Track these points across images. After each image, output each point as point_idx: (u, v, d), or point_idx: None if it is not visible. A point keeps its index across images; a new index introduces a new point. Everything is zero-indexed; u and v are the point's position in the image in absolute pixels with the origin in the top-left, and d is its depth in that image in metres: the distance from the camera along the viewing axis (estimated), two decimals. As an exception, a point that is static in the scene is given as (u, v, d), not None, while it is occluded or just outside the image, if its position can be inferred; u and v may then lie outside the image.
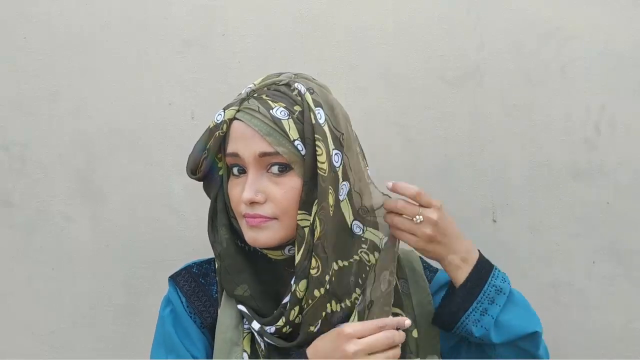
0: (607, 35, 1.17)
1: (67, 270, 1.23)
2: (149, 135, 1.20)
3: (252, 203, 0.79)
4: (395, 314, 0.86)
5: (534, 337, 0.87)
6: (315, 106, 0.80)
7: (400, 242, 0.92)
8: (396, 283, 0.88)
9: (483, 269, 0.87)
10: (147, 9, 1.18)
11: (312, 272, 0.79)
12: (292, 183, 0.80)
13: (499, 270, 0.89)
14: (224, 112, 0.81)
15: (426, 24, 1.18)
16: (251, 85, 0.84)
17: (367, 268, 0.85)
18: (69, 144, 1.21)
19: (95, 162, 1.21)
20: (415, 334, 0.88)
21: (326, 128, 0.79)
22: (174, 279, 0.91)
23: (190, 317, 0.87)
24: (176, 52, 1.19)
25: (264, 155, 0.79)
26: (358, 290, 0.84)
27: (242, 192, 0.79)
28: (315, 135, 0.78)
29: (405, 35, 1.18)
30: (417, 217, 0.84)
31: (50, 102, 1.20)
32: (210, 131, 0.82)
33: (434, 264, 0.95)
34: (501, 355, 0.88)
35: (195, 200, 1.20)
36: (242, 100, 0.82)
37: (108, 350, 1.25)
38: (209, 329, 0.87)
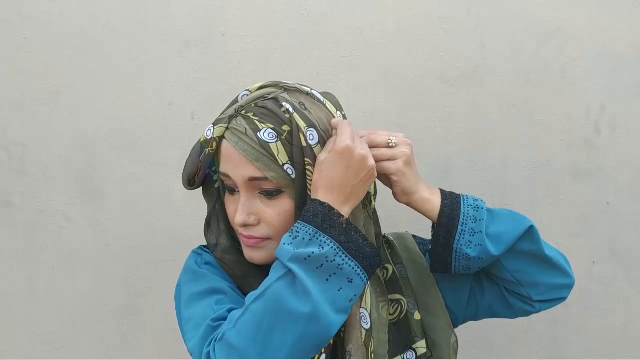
0: (607, 35, 1.17)
1: (67, 270, 1.23)
2: (149, 135, 1.20)
3: (246, 225, 0.79)
4: (395, 300, 0.86)
5: (531, 233, 0.85)
6: (308, 126, 0.76)
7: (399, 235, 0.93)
8: (393, 270, 0.88)
9: (451, 195, 0.86)
10: (147, 9, 1.18)
11: None
12: (284, 206, 0.78)
13: (467, 195, 0.88)
14: (213, 128, 0.78)
15: (426, 24, 1.18)
16: (246, 92, 0.82)
17: None
18: (69, 144, 1.21)
19: (95, 162, 1.21)
20: (417, 316, 0.87)
21: (317, 149, 0.77)
22: (201, 247, 0.89)
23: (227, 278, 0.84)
24: (176, 52, 1.19)
25: (253, 179, 0.77)
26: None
27: (236, 210, 0.79)
28: (306, 160, 0.76)
29: (405, 35, 1.18)
30: (391, 138, 0.81)
31: (50, 102, 1.20)
32: (202, 146, 0.80)
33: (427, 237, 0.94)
34: (514, 268, 0.85)
35: (195, 200, 1.20)
36: (230, 118, 0.78)
37: (108, 350, 1.25)
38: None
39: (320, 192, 0.73)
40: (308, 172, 0.76)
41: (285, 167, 0.76)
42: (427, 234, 1.21)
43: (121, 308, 1.24)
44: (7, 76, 1.20)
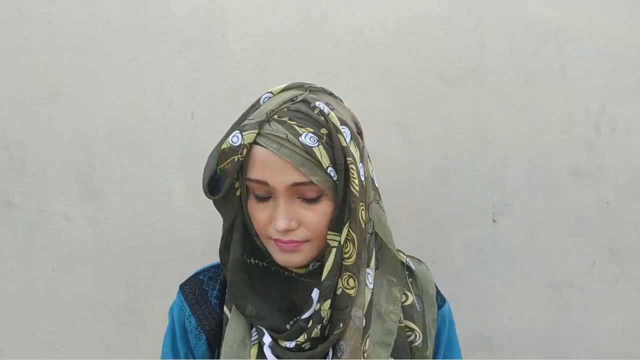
0: (607, 35, 1.17)
1: (67, 270, 1.23)
2: (149, 135, 1.20)
3: (287, 231, 0.78)
4: (409, 329, 0.87)
5: None
6: (341, 125, 0.77)
7: (416, 262, 0.94)
8: (413, 300, 0.89)
9: None
10: (147, 9, 1.18)
11: (350, 292, 0.79)
12: (325, 208, 0.78)
13: None
14: (242, 135, 0.76)
15: (426, 24, 1.18)
16: (268, 95, 0.81)
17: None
18: (69, 144, 1.21)
19: (95, 162, 1.21)
20: (429, 352, 0.88)
21: (352, 146, 0.78)
22: (182, 288, 0.91)
23: (192, 329, 0.88)
24: (176, 52, 1.19)
25: (296, 185, 0.76)
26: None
27: (270, 217, 0.78)
28: (348, 159, 0.76)
29: (405, 35, 1.18)
30: None
31: (50, 102, 1.20)
32: (225, 153, 0.78)
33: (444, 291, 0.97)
34: None
35: (195, 200, 1.20)
36: (261, 123, 0.77)
37: (108, 350, 1.25)
38: (207, 336, 0.87)
39: None
40: (352, 171, 0.76)
41: (329, 170, 0.76)
42: (427, 233, 1.21)
43: (121, 308, 1.24)
44: (7, 76, 1.19)
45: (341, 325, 0.79)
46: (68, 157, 1.21)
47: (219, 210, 0.84)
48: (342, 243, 0.78)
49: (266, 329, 0.82)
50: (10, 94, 1.20)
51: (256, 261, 0.85)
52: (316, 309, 0.79)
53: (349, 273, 0.79)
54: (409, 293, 0.89)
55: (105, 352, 1.25)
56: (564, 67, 1.18)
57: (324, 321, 0.80)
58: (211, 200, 0.84)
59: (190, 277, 0.92)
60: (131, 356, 1.25)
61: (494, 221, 1.21)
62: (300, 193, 0.77)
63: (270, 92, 0.81)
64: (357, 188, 0.77)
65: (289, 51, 1.18)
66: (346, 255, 0.79)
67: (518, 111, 1.19)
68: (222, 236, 0.85)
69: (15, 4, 1.18)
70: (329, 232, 0.79)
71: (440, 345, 0.93)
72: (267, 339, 0.82)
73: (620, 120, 1.18)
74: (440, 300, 0.94)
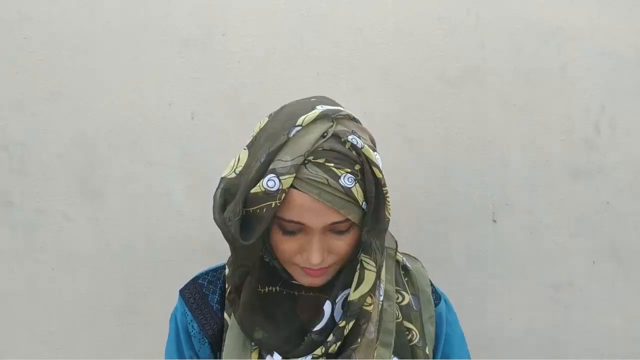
0: (607, 35, 1.17)
1: (67, 270, 1.23)
2: (149, 135, 1.20)
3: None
4: (407, 329, 0.87)
5: None
6: (374, 154, 0.77)
7: (412, 260, 0.94)
8: (409, 300, 0.90)
9: None
10: (147, 9, 1.18)
11: (368, 308, 0.81)
12: (354, 236, 0.80)
13: None
14: (280, 180, 0.73)
15: (426, 24, 1.18)
16: (297, 129, 0.75)
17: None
18: (69, 144, 1.21)
19: (95, 162, 1.21)
20: (428, 350, 0.88)
21: (380, 172, 0.78)
22: (182, 293, 0.91)
23: (195, 334, 0.88)
24: (176, 52, 1.19)
25: (334, 223, 0.77)
26: None
27: (299, 248, 0.78)
28: (384, 189, 0.78)
29: (405, 35, 1.18)
30: None
31: (50, 102, 1.20)
32: (258, 197, 0.74)
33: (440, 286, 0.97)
34: None
35: (195, 200, 1.20)
36: (297, 167, 0.73)
37: (108, 350, 1.25)
38: (209, 341, 0.87)
39: None
40: (387, 200, 0.79)
41: (363, 204, 0.77)
42: (427, 233, 1.21)
43: (121, 308, 1.24)
44: (7, 76, 1.19)
45: (359, 340, 0.80)
46: (68, 157, 1.21)
47: (236, 252, 0.80)
48: (379, 266, 0.81)
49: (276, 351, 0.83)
50: (10, 94, 1.20)
51: (270, 288, 0.84)
52: (340, 326, 0.80)
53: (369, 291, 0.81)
54: (404, 293, 0.89)
55: (105, 352, 1.25)
56: (564, 67, 1.18)
57: (348, 335, 0.81)
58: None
59: (190, 281, 0.92)
60: (131, 356, 1.25)
61: (494, 221, 1.21)
62: (334, 229, 0.78)
63: (300, 125, 0.76)
64: (389, 211, 0.80)
65: (289, 51, 1.18)
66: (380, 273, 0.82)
67: (518, 111, 1.19)
68: (236, 276, 0.82)
69: (15, 4, 1.18)
70: (363, 255, 0.80)
71: (440, 342, 0.93)
72: (277, 357, 0.82)
73: (620, 120, 1.18)
74: (436, 298, 0.94)
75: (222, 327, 0.87)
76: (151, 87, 1.19)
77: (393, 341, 0.84)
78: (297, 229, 0.77)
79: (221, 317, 0.87)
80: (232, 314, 0.85)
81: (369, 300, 0.81)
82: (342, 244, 0.79)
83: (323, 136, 0.76)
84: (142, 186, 1.21)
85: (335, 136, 0.76)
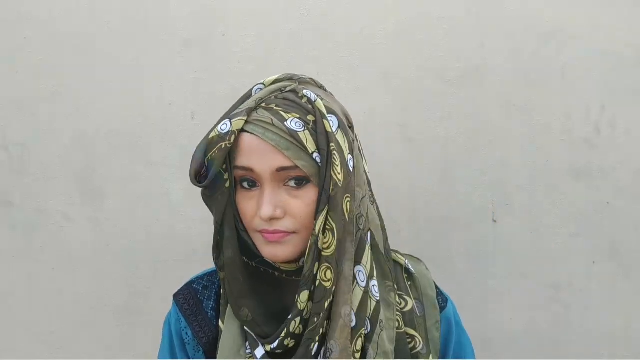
0: (607, 35, 1.17)
1: (67, 270, 1.23)
2: (149, 135, 1.20)
3: (271, 219, 0.76)
4: (410, 336, 0.85)
5: None
6: (328, 113, 0.77)
7: (415, 261, 0.92)
8: (413, 305, 0.87)
9: None
10: (147, 9, 1.18)
11: (326, 284, 0.77)
12: (311, 195, 0.77)
13: None
14: (231, 122, 0.76)
15: (426, 24, 1.18)
16: (259, 86, 0.82)
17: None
18: (69, 144, 1.21)
19: (95, 162, 1.21)
20: (432, 358, 0.86)
21: (340, 135, 0.77)
22: (176, 298, 0.90)
23: (189, 341, 0.87)
24: (176, 52, 1.19)
25: (282, 169, 0.75)
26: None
27: (256, 207, 0.77)
28: (331, 145, 0.76)
29: (405, 35, 1.18)
30: None
31: (50, 102, 1.20)
32: (213, 141, 0.77)
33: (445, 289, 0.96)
34: None
35: (195, 200, 1.20)
36: (249, 111, 0.77)
37: (108, 350, 1.25)
38: (204, 348, 0.86)
39: None
40: (333, 158, 0.76)
41: (314, 155, 0.76)
42: (427, 233, 1.21)
43: (121, 308, 1.24)
44: (7, 76, 1.20)
45: (315, 320, 0.77)
46: (68, 157, 1.21)
47: (208, 205, 0.82)
48: (318, 230, 0.76)
49: (258, 336, 0.81)
50: (10, 94, 1.20)
51: (247, 261, 0.83)
52: (295, 301, 0.77)
53: (327, 264, 0.77)
54: (408, 298, 0.87)
55: (105, 352, 1.25)
56: (564, 67, 1.18)
57: (304, 314, 0.77)
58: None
59: (184, 286, 0.90)
60: (131, 356, 1.25)
61: (494, 221, 1.21)
62: (286, 179, 0.77)
63: (262, 84, 0.82)
64: (339, 176, 0.76)
65: (289, 51, 1.18)
66: (325, 245, 0.77)
67: (518, 111, 1.19)
68: (214, 233, 0.83)
69: (15, 4, 1.18)
70: (315, 222, 0.77)
71: (449, 348, 0.91)
72: (259, 352, 0.80)
73: (620, 120, 1.18)
74: (442, 301, 0.92)
75: (217, 335, 0.85)
76: (151, 87, 1.19)
77: (393, 349, 0.82)
78: (249, 178, 0.78)
79: (216, 324, 0.86)
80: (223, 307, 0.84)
81: (328, 275, 0.77)
82: (298, 204, 0.77)
83: (281, 90, 0.80)
84: (142, 186, 1.21)
85: (293, 91, 0.80)
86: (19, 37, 1.19)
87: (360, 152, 0.85)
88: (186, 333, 0.87)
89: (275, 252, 0.78)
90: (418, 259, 0.95)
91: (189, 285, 0.90)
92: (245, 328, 0.82)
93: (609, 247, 1.21)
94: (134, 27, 1.18)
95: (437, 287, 0.93)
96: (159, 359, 0.90)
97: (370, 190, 0.86)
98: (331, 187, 0.76)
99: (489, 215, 1.21)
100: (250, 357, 0.81)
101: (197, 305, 0.88)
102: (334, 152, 0.76)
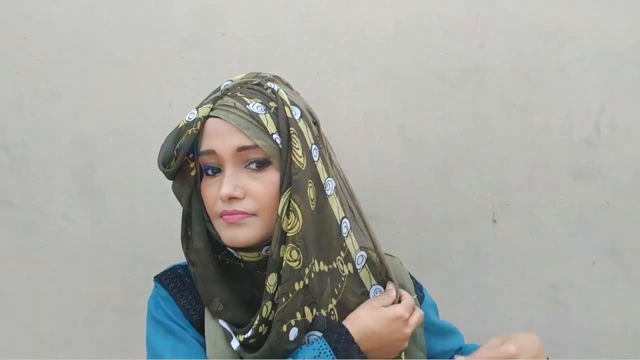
0: (607, 35, 1.17)
1: (67, 270, 1.23)
2: (149, 135, 1.20)
3: (231, 199, 0.77)
4: None
5: None
6: (291, 104, 0.80)
7: (389, 257, 0.92)
8: None
9: None
10: (147, 9, 1.18)
11: (292, 264, 0.77)
12: (272, 177, 0.78)
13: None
14: (197, 110, 0.80)
15: (426, 24, 1.18)
16: (228, 82, 0.85)
17: (342, 279, 0.83)
18: (69, 144, 1.21)
19: (95, 162, 1.21)
20: (415, 352, 0.87)
21: (302, 124, 0.80)
22: (159, 278, 0.90)
23: (180, 317, 0.86)
24: (176, 52, 1.19)
25: (242, 149, 0.77)
26: (334, 301, 0.82)
27: (219, 190, 0.78)
28: (291, 129, 0.78)
29: (405, 35, 1.18)
30: None
31: (50, 102, 1.20)
32: (181, 130, 0.80)
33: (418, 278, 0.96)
34: None
35: (195, 200, 1.20)
36: (216, 99, 0.81)
37: (108, 350, 1.25)
38: (194, 326, 0.85)
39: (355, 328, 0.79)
40: (293, 141, 0.78)
41: (274, 136, 0.78)
42: (427, 233, 1.21)
43: (121, 308, 1.24)
44: (7, 76, 1.19)
45: (284, 300, 0.76)
46: (68, 157, 1.21)
47: (178, 197, 0.85)
48: (281, 210, 0.77)
49: (232, 325, 0.81)
50: (10, 94, 1.20)
51: (215, 255, 0.84)
52: (267, 283, 0.77)
53: (292, 244, 0.76)
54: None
55: (105, 352, 1.25)
56: (564, 67, 1.18)
57: (275, 298, 0.77)
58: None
59: (167, 270, 0.91)
60: (131, 356, 1.25)
61: (494, 221, 1.21)
62: (247, 161, 0.78)
63: (231, 80, 0.85)
64: (300, 159, 0.77)
65: (289, 51, 1.18)
66: (289, 226, 0.77)
67: (518, 111, 1.19)
68: (182, 222, 0.85)
69: (15, 4, 1.18)
70: (291, 200, 0.77)
71: (438, 332, 0.93)
72: (234, 344, 0.80)
73: (620, 120, 1.18)
74: (419, 289, 0.94)
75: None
76: (151, 87, 1.19)
77: None
78: (215, 165, 0.79)
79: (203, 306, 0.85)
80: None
81: (294, 255, 0.77)
82: (258, 185, 0.77)
83: (247, 83, 0.84)
84: (142, 186, 1.21)
85: (259, 84, 0.83)
86: (19, 37, 1.19)
87: (330, 149, 0.87)
88: (176, 311, 0.86)
89: (234, 234, 0.79)
90: (392, 256, 0.94)
91: (172, 269, 0.91)
92: (220, 321, 0.82)
93: (609, 247, 1.21)
94: (134, 27, 1.18)
95: (413, 278, 0.95)
96: (152, 341, 0.88)
97: (349, 191, 0.88)
98: (293, 170, 0.77)
99: (488, 215, 1.21)
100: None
101: (183, 285, 0.88)
102: (294, 135, 0.78)
